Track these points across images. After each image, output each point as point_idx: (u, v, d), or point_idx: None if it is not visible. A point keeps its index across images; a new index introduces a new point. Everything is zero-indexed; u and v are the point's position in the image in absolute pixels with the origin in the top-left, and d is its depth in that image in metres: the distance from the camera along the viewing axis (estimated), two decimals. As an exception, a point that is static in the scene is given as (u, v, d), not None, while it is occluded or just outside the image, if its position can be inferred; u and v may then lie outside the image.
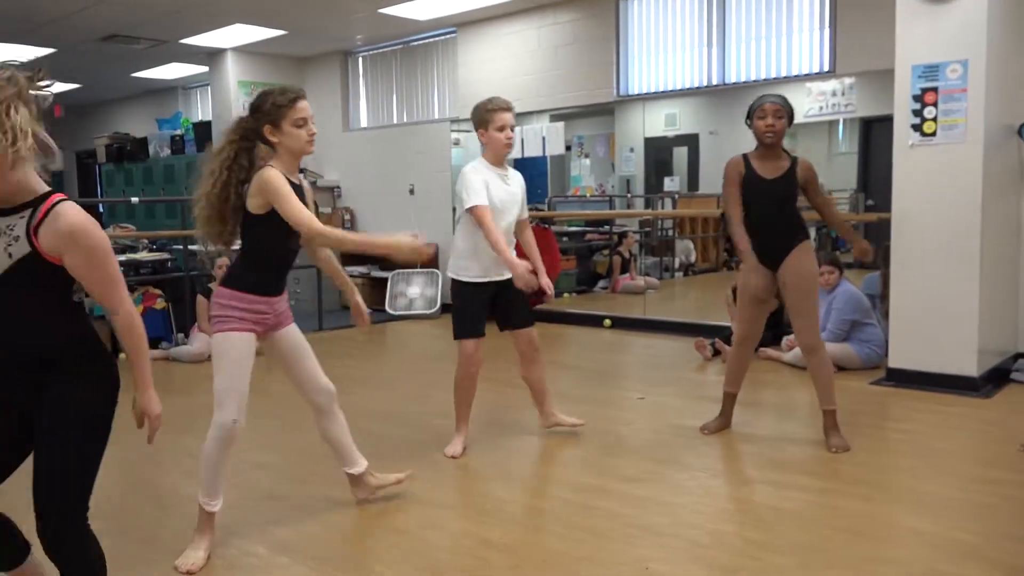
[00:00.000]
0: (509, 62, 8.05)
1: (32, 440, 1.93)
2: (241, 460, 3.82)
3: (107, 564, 2.22)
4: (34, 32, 8.17)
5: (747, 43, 6.65)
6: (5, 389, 1.92)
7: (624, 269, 8.54)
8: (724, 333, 5.97)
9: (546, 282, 3.73)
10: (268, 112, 2.74)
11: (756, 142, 3.76)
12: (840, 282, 5.34)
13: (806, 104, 6.52)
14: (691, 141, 8.11)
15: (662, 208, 8.61)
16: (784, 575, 2.53)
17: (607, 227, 9.00)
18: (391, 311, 8.09)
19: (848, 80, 6.24)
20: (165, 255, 7.24)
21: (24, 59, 9.19)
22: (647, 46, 7.26)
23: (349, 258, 8.32)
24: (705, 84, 6.94)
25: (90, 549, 2.04)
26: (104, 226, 11.73)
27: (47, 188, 1.91)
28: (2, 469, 2.00)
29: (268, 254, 2.80)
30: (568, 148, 8.50)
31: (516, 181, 3.81)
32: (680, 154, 8.36)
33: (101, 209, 12.74)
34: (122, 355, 6.72)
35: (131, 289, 6.51)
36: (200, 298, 6.37)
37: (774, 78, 6.50)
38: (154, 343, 6.50)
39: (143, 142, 11.41)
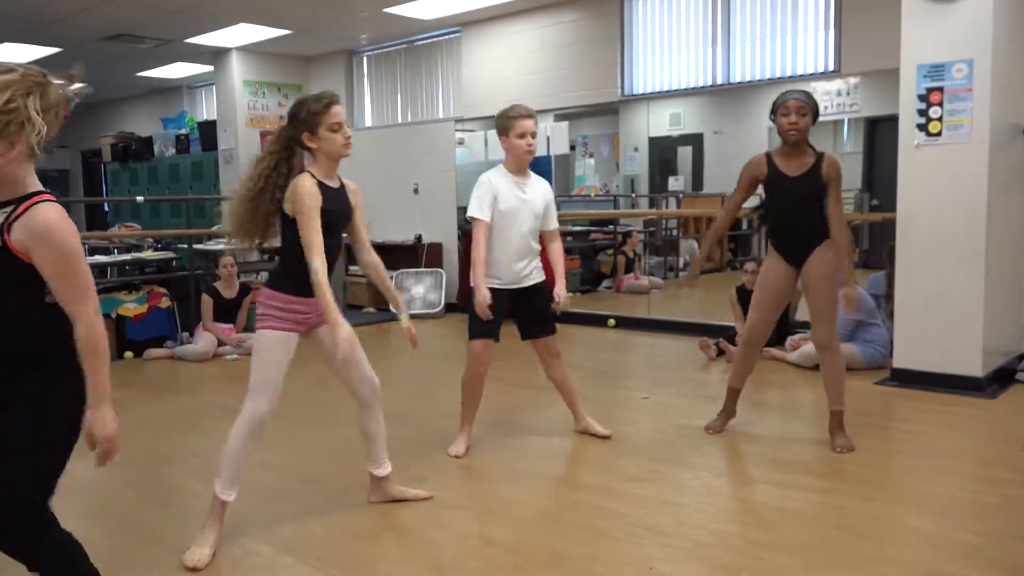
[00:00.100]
0: (513, 62, 8.05)
1: None
2: (246, 459, 3.83)
3: (110, 563, 2.23)
4: (40, 31, 8.20)
5: (752, 42, 6.65)
6: None
7: (628, 269, 8.54)
8: (728, 333, 5.97)
9: (558, 291, 3.72)
10: (304, 119, 2.82)
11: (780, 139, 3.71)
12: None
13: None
14: (695, 141, 8.11)
15: (666, 208, 8.61)
16: (787, 575, 2.53)
17: (611, 227, 9.00)
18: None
19: (853, 80, 6.23)
20: (170, 254, 7.26)
21: (31, 58, 9.23)
22: (651, 45, 7.25)
23: (354, 258, 8.32)
24: (709, 84, 6.94)
25: (58, 542, 2.03)
26: (109, 225, 11.82)
27: (40, 188, 1.91)
28: None
29: (304, 257, 2.79)
30: (572, 148, 8.50)
31: (536, 190, 3.76)
32: (684, 154, 8.36)
33: (106, 208, 12.79)
34: (128, 354, 6.70)
35: (136, 288, 6.59)
36: (204, 297, 6.39)
37: (779, 78, 6.49)
38: (159, 342, 6.52)
39: (148, 141, 11.45)
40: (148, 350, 6.37)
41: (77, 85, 2.00)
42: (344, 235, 3.07)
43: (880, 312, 5.40)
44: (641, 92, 7.38)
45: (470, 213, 3.70)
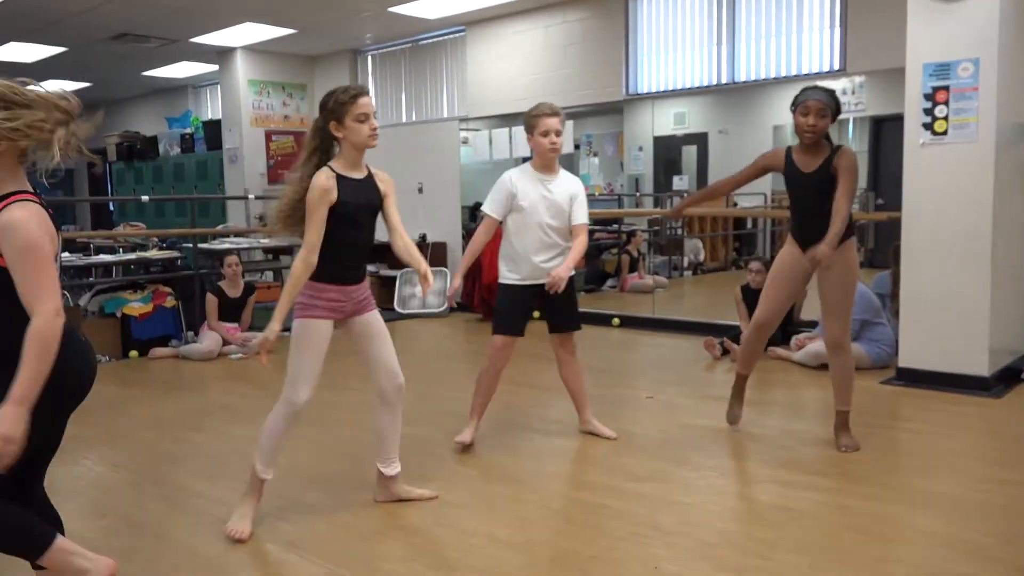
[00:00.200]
0: (518, 61, 8.05)
1: None
2: (251, 457, 3.83)
3: (114, 559, 2.24)
4: (45, 31, 8.22)
5: (757, 42, 6.64)
6: None
7: (633, 268, 8.53)
8: (733, 332, 5.96)
9: (557, 271, 3.64)
10: (332, 109, 2.88)
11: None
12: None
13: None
14: (700, 140, 8.10)
15: (671, 207, 8.59)
16: (794, 574, 2.53)
17: (616, 226, 8.99)
18: (400, 310, 8.10)
19: (858, 79, 6.21)
20: (175, 253, 7.27)
21: (37, 58, 9.25)
22: (656, 45, 7.25)
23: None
24: (714, 83, 6.93)
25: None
26: (114, 224, 11.84)
27: (22, 189, 1.92)
28: None
29: (334, 247, 2.90)
30: (577, 147, 8.49)
31: (562, 187, 3.76)
32: (689, 153, 8.34)
33: (111, 207, 12.81)
34: (133, 353, 6.71)
35: (141, 287, 6.60)
36: (209, 296, 6.40)
37: (784, 77, 6.49)
38: (163, 341, 6.53)
39: (153, 141, 11.47)
40: (153, 349, 6.38)
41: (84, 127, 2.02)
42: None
43: (885, 311, 5.39)
44: (646, 91, 7.37)
45: (483, 208, 3.82)
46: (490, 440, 4.00)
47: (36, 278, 1.88)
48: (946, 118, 4.64)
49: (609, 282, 8.88)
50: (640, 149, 8.24)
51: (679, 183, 8.32)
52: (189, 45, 9.03)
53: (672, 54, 7.15)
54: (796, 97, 3.62)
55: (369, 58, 9.69)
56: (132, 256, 7.26)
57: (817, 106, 3.52)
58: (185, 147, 10.95)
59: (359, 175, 2.97)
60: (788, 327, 5.98)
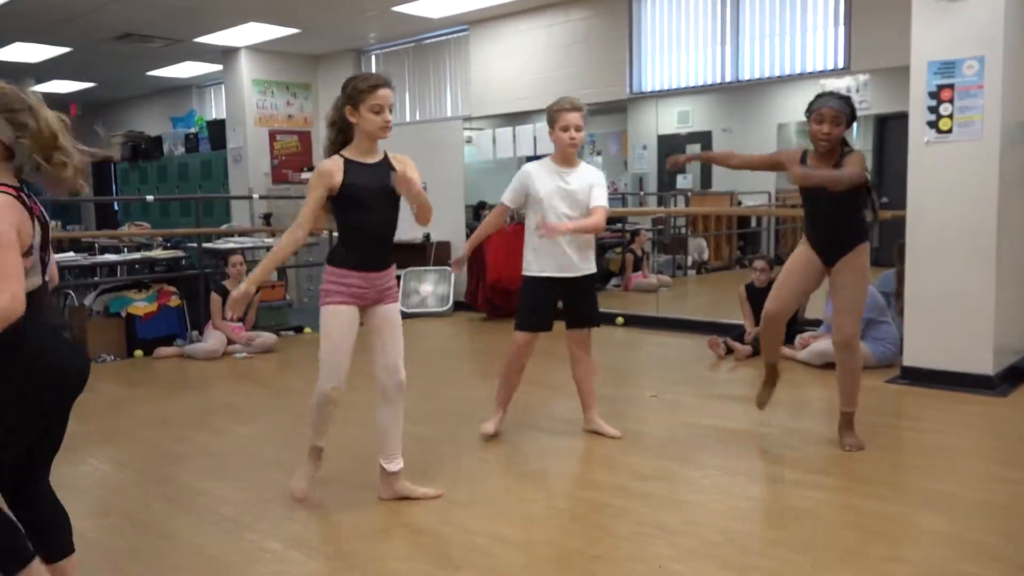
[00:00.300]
0: (521, 60, 8.05)
1: None
2: (255, 456, 3.84)
3: (118, 560, 2.24)
4: (50, 31, 8.24)
5: (761, 40, 6.63)
6: None
7: (636, 267, 8.53)
8: (737, 331, 5.96)
9: (552, 224, 3.60)
10: (350, 95, 2.98)
11: None
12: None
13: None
14: (704, 138, 8.09)
15: (675, 206, 8.59)
16: (798, 574, 2.53)
17: (619, 225, 8.98)
18: (404, 309, 8.10)
19: (863, 77, 6.20)
20: (179, 253, 7.28)
21: (42, 58, 9.27)
22: (660, 43, 7.24)
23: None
24: (718, 81, 6.92)
25: None
26: (119, 224, 11.87)
27: (4, 182, 1.93)
28: None
29: (349, 231, 3.03)
30: (581, 145, 8.48)
31: (580, 178, 3.77)
32: (693, 151, 8.34)
33: (116, 207, 12.84)
34: (137, 352, 6.72)
35: (146, 287, 6.61)
36: (214, 295, 6.41)
37: (788, 75, 6.48)
38: (168, 340, 6.54)
39: (157, 140, 11.50)
40: (158, 348, 6.39)
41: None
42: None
43: (890, 310, 5.38)
44: (649, 90, 7.37)
45: (501, 197, 3.90)
46: (495, 439, 4.00)
47: None
48: (951, 116, 4.63)
49: (613, 281, 8.87)
50: (644, 148, 8.24)
51: (683, 182, 8.31)
52: (193, 45, 9.04)
53: (676, 52, 7.14)
54: (811, 103, 3.57)
55: (373, 57, 9.70)
56: (137, 256, 7.28)
57: (831, 113, 3.48)
58: (189, 147, 10.97)
59: (372, 159, 3.04)
60: (792, 326, 5.97)
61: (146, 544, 2.86)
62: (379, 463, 3.17)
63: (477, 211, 8.74)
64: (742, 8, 6.71)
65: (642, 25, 7.32)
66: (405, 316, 3.22)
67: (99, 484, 3.57)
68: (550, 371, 5.60)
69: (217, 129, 10.33)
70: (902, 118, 4.92)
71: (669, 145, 8.19)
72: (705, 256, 9.12)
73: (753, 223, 9.04)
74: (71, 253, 7.20)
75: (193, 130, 10.97)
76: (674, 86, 7.21)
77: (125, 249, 7.98)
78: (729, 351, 5.80)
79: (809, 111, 3.57)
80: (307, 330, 7.41)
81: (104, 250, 8.14)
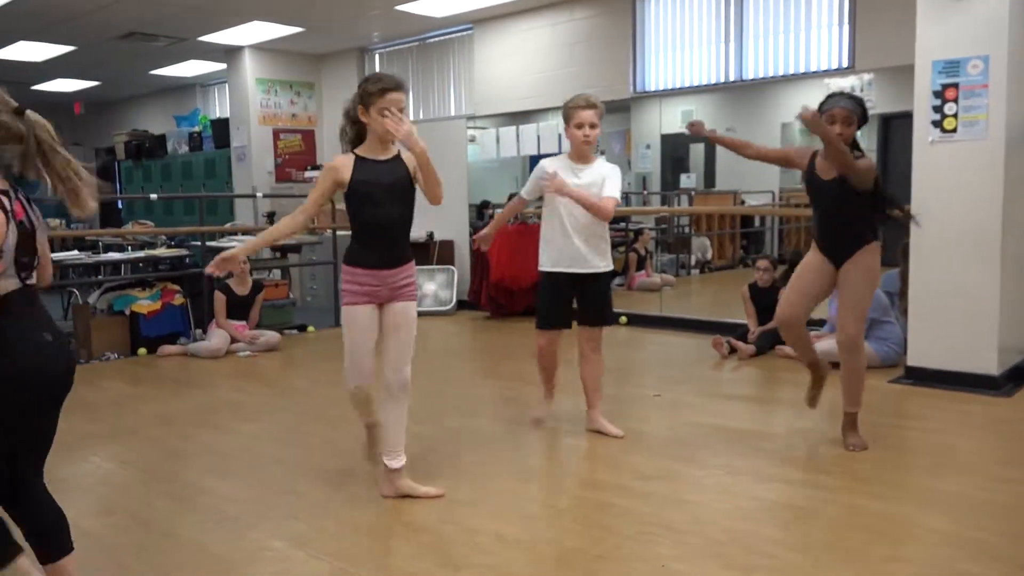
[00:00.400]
0: (525, 59, 8.05)
1: None
2: (258, 454, 3.85)
3: (122, 558, 2.24)
4: (55, 30, 8.25)
5: (765, 39, 6.61)
6: None
7: (640, 266, 8.52)
8: (740, 331, 5.95)
9: (560, 180, 3.67)
10: (361, 95, 3.04)
11: None
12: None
13: (824, 100, 6.46)
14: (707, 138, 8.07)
15: (678, 205, 8.58)
16: (801, 573, 2.52)
17: (623, 224, 8.97)
18: (407, 307, 8.11)
19: (867, 76, 6.18)
20: (183, 251, 7.29)
21: (46, 57, 9.28)
22: (664, 42, 7.23)
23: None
24: (722, 80, 6.91)
25: None
26: (123, 222, 11.90)
27: None
28: None
29: (361, 228, 3.10)
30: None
31: (593, 173, 3.80)
32: (697, 151, 8.32)
33: (120, 205, 12.86)
34: (141, 350, 6.73)
35: (150, 285, 6.62)
36: (217, 294, 6.42)
37: (792, 74, 6.46)
38: (172, 339, 6.55)
39: (161, 139, 11.51)
40: (161, 347, 6.41)
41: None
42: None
43: (894, 310, 5.37)
44: (653, 89, 7.35)
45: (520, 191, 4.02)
46: (497, 437, 4.00)
47: None
48: (955, 115, 4.62)
49: (616, 280, 8.85)
50: (647, 147, 8.23)
51: (686, 181, 8.30)
52: (197, 44, 9.05)
53: (679, 52, 7.13)
54: (821, 104, 3.55)
55: (376, 56, 9.70)
56: (141, 254, 7.29)
57: (843, 114, 3.46)
58: (193, 145, 10.98)
59: (383, 156, 3.09)
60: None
61: (149, 542, 2.87)
62: (382, 460, 3.17)
63: (480, 210, 8.74)
64: (746, 7, 6.70)
65: (646, 24, 7.31)
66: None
67: (103, 482, 3.58)
68: (553, 370, 5.60)
69: (221, 128, 10.34)
70: (906, 117, 4.91)
71: (673, 144, 8.19)
72: (709, 255, 9.11)
73: (757, 222, 9.03)
74: (75, 251, 7.22)
75: (197, 129, 10.98)
76: (678, 85, 7.20)
77: (129, 247, 7.99)
78: (732, 350, 5.79)
79: (820, 112, 3.54)
80: (310, 328, 7.42)
81: (108, 248, 8.17)
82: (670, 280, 8.47)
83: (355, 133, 3.15)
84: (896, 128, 6.40)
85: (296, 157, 9.94)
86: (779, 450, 3.71)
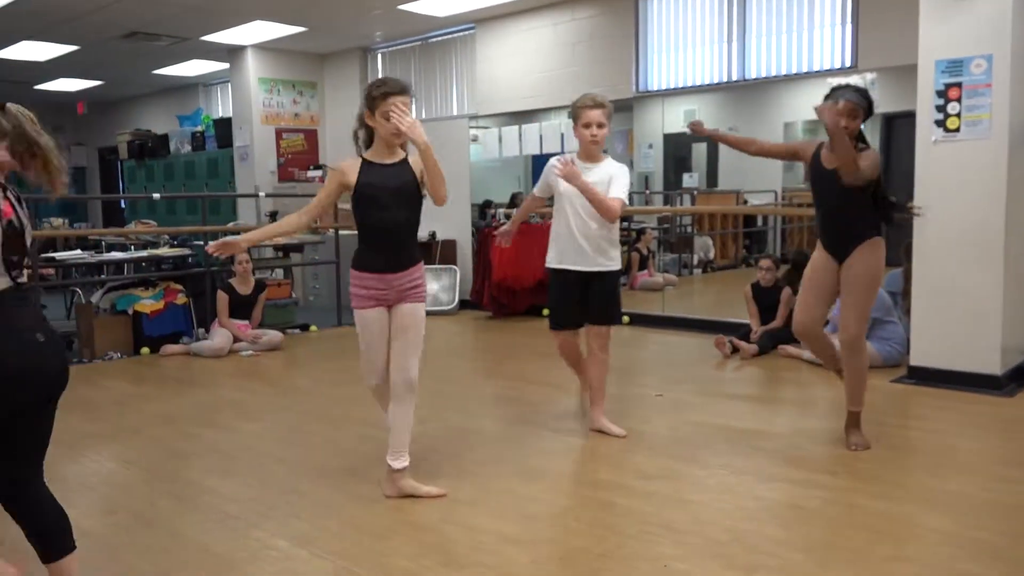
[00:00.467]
0: (528, 58, 8.05)
1: None
2: (261, 454, 3.85)
3: (126, 557, 2.24)
4: (57, 29, 8.26)
5: (767, 38, 6.61)
6: None
7: (642, 265, 8.52)
8: (743, 330, 5.95)
9: (573, 169, 3.69)
10: (367, 100, 3.11)
11: None
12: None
13: (827, 100, 6.46)
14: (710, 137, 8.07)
15: (681, 205, 8.57)
16: (804, 573, 2.52)
17: (625, 223, 8.97)
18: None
19: (870, 76, 6.18)
20: (186, 251, 7.30)
21: (49, 56, 9.29)
22: (666, 42, 7.22)
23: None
24: (725, 80, 6.90)
25: None
26: (126, 222, 11.91)
27: None
28: None
29: (366, 231, 3.15)
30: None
31: (601, 172, 3.80)
32: (699, 150, 8.32)
33: (123, 205, 12.88)
34: (144, 350, 6.73)
35: (152, 284, 6.63)
36: (220, 293, 6.43)
37: (795, 74, 6.46)
38: (175, 338, 6.56)
39: (164, 139, 11.52)
40: (164, 346, 6.41)
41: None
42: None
43: (897, 309, 5.37)
44: (656, 89, 7.35)
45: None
46: (499, 437, 4.01)
47: None
48: (959, 115, 4.62)
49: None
50: (650, 147, 8.22)
51: (689, 180, 8.30)
52: (200, 43, 9.06)
53: (682, 51, 7.13)
54: (826, 98, 3.54)
55: (379, 56, 9.70)
56: (143, 253, 7.29)
57: (849, 107, 3.45)
58: (196, 145, 10.99)
59: (390, 160, 3.13)
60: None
61: (152, 541, 2.87)
62: (386, 462, 3.18)
63: (483, 209, 8.74)
64: (749, 6, 6.69)
65: (648, 24, 7.31)
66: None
67: (105, 481, 3.58)
68: (552, 370, 5.60)
69: (223, 127, 10.35)
70: (910, 117, 4.90)
71: (675, 144, 8.19)
72: (711, 255, 9.11)
73: (759, 222, 9.03)
74: (78, 251, 7.23)
75: (200, 128, 10.99)
76: (680, 85, 7.19)
77: (132, 247, 7.99)
78: (735, 350, 5.79)
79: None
80: (313, 328, 7.42)
81: (111, 248, 8.17)
82: (672, 280, 8.47)
83: (367, 136, 3.18)
84: (899, 128, 6.39)
85: (298, 157, 9.94)
86: (781, 450, 3.71)
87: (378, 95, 3.05)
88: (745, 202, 8.30)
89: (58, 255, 6.85)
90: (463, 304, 8.27)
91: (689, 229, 9.12)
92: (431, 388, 5.09)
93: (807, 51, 6.39)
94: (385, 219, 3.10)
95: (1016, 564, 2.56)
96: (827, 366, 3.96)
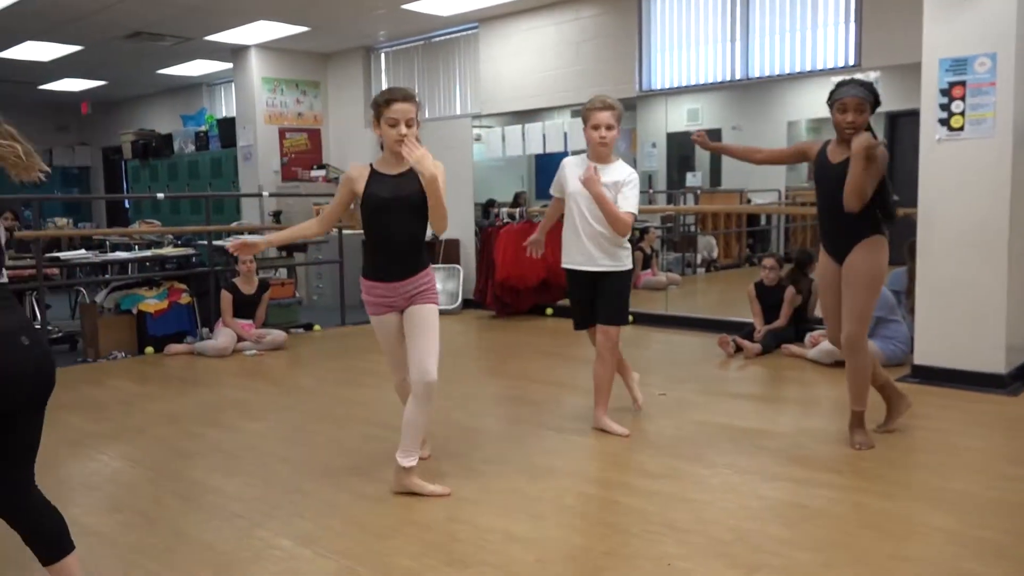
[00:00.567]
0: (531, 58, 8.05)
1: None
2: (265, 453, 3.86)
3: (130, 556, 2.24)
4: (61, 30, 8.28)
5: (771, 37, 6.60)
6: None
7: (646, 265, 8.52)
8: (746, 329, 5.95)
9: (592, 176, 3.72)
10: (373, 108, 3.16)
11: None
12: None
13: (831, 99, 6.45)
14: (713, 136, 8.02)
15: (684, 204, 8.57)
16: (807, 572, 2.52)
17: (629, 223, 8.97)
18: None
19: (874, 74, 6.17)
20: (190, 250, 7.31)
21: (53, 56, 9.31)
22: (669, 41, 7.22)
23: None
24: (728, 79, 6.90)
25: None
26: (130, 222, 11.94)
27: None
28: None
29: (371, 239, 3.21)
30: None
31: (609, 176, 3.80)
32: (702, 150, 8.31)
33: (127, 204, 12.91)
34: (148, 349, 6.74)
35: (156, 284, 6.64)
36: (224, 292, 6.43)
37: (798, 72, 6.45)
38: (179, 338, 6.57)
39: (168, 138, 11.54)
40: (168, 346, 6.42)
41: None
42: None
43: (901, 308, 5.36)
44: (659, 88, 7.35)
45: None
46: (504, 436, 4.01)
47: None
48: (963, 113, 4.61)
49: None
50: (653, 145, 8.22)
51: (692, 179, 8.30)
52: (203, 43, 9.07)
53: (685, 50, 7.12)
54: (832, 93, 3.53)
55: (382, 55, 9.71)
56: (147, 253, 7.31)
57: (855, 102, 3.45)
58: (200, 145, 11.01)
59: (396, 170, 3.16)
60: (802, 324, 5.96)
61: (157, 540, 2.88)
62: (396, 456, 3.20)
63: (486, 209, 8.74)
64: (752, 5, 6.69)
65: (652, 22, 7.31)
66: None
67: (110, 480, 3.59)
68: (555, 369, 5.61)
69: (227, 127, 10.37)
70: (914, 115, 4.89)
71: (679, 143, 8.19)
72: (714, 254, 9.11)
73: (763, 221, 9.03)
74: (82, 250, 7.24)
75: (203, 128, 11.01)
76: (684, 84, 7.19)
77: (136, 247, 8.02)
78: (738, 349, 5.79)
79: (831, 101, 3.53)
80: (317, 327, 7.43)
81: (115, 248, 8.19)
82: (676, 279, 8.47)
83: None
84: (903, 126, 6.39)
85: (302, 156, 9.96)
86: (785, 449, 3.71)
87: (381, 102, 3.09)
88: (748, 201, 8.29)
89: (62, 255, 6.86)
90: (466, 303, 8.27)
91: (692, 228, 9.12)
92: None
93: (811, 50, 6.38)
94: (391, 229, 3.14)
95: (1020, 562, 2.55)
96: (872, 383, 3.92)
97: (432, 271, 3.27)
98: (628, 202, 3.77)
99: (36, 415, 2.10)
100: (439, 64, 9.16)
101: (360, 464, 3.61)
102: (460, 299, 8.28)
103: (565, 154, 8.14)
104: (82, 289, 7.40)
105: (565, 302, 7.71)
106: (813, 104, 3.66)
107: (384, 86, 9.75)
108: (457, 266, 8.43)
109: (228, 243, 3.15)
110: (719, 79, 6.96)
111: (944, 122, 4.67)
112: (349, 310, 7.73)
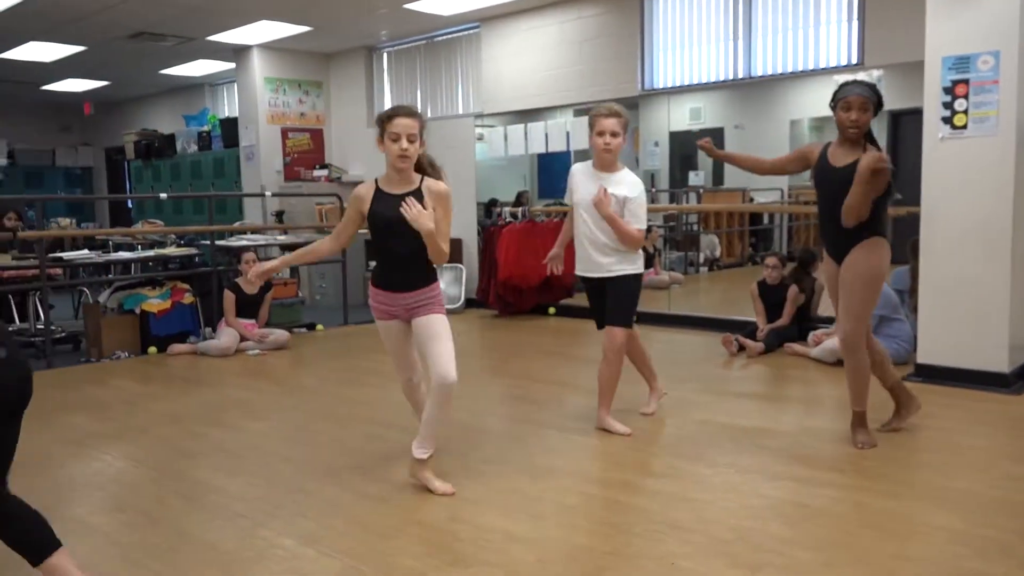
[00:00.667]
0: (533, 57, 8.05)
1: None
2: (268, 453, 3.87)
3: (134, 555, 2.24)
4: (64, 30, 8.29)
5: (774, 36, 6.60)
6: None
7: (648, 264, 8.50)
8: (749, 328, 5.94)
9: (603, 198, 3.76)
10: (377, 124, 3.20)
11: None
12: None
13: (833, 97, 6.45)
14: (716, 135, 8.03)
15: (687, 203, 8.57)
16: (809, 572, 2.52)
17: (631, 222, 8.96)
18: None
19: (876, 73, 6.16)
20: (193, 250, 7.32)
21: (56, 56, 9.33)
22: (672, 39, 7.22)
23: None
24: (731, 77, 6.89)
25: None
26: (133, 222, 11.96)
27: None
28: None
29: (376, 253, 3.29)
30: (592, 143, 8.46)
31: (616, 187, 3.82)
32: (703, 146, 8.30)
33: (130, 205, 12.93)
34: (151, 349, 6.75)
35: (159, 284, 6.65)
36: (227, 292, 6.44)
37: (801, 71, 6.44)
38: (182, 337, 6.58)
39: (171, 138, 11.55)
40: (171, 345, 6.43)
41: None
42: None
43: (904, 307, 5.35)
44: (661, 87, 7.34)
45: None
46: (505, 435, 4.01)
47: None
48: (966, 112, 4.60)
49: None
50: (656, 144, 8.22)
51: (695, 179, 8.29)
52: (206, 43, 9.08)
53: (688, 49, 7.12)
54: (835, 93, 3.53)
55: (384, 55, 9.71)
56: (150, 253, 7.32)
57: (859, 101, 3.44)
58: (202, 145, 11.02)
59: (401, 189, 3.17)
60: (805, 323, 5.96)
61: (160, 540, 2.89)
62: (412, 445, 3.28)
63: (488, 208, 8.74)
64: (754, 4, 6.68)
65: (654, 21, 7.30)
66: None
67: (113, 480, 3.60)
68: (557, 369, 5.61)
69: (230, 127, 10.38)
70: (916, 114, 4.89)
71: (681, 142, 8.18)
72: (717, 253, 9.10)
73: (765, 220, 9.01)
74: (85, 250, 7.25)
75: (206, 128, 11.02)
76: (686, 82, 7.18)
77: (139, 247, 8.03)
78: (741, 348, 5.78)
79: (835, 100, 3.52)
80: (319, 327, 7.44)
81: (118, 248, 8.20)
82: (678, 278, 8.46)
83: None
84: (906, 124, 6.38)
85: (304, 156, 9.96)
86: (787, 448, 3.71)
87: (384, 118, 3.13)
88: (751, 200, 8.28)
89: (65, 255, 6.87)
90: (469, 303, 8.28)
91: (695, 227, 9.12)
92: (437, 387, 5.10)
93: (813, 48, 6.38)
94: (394, 246, 3.19)
95: (1023, 561, 2.55)
96: (883, 385, 3.92)
97: (439, 286, 3.31)
98: (637, 219, 3.83)
99: (11, 426, 2.09)
100: (441, 63, 9.16)
101: (363, 464, 3.61)
102: (463, 298, 8.28)
103: (567, 153, 8.15)
104: (85, 289, 7.41)
105: (568, 301, 7.73)
106: (816, 103, 3.66)
107: (386, 86, 9.78)
108: (460, 265, 8.44)
109: (246, 274, 3.31)
110: (721, 78, 6.96)
111: (947, 120, 4.66)
112: (352, 310, 7.73)
